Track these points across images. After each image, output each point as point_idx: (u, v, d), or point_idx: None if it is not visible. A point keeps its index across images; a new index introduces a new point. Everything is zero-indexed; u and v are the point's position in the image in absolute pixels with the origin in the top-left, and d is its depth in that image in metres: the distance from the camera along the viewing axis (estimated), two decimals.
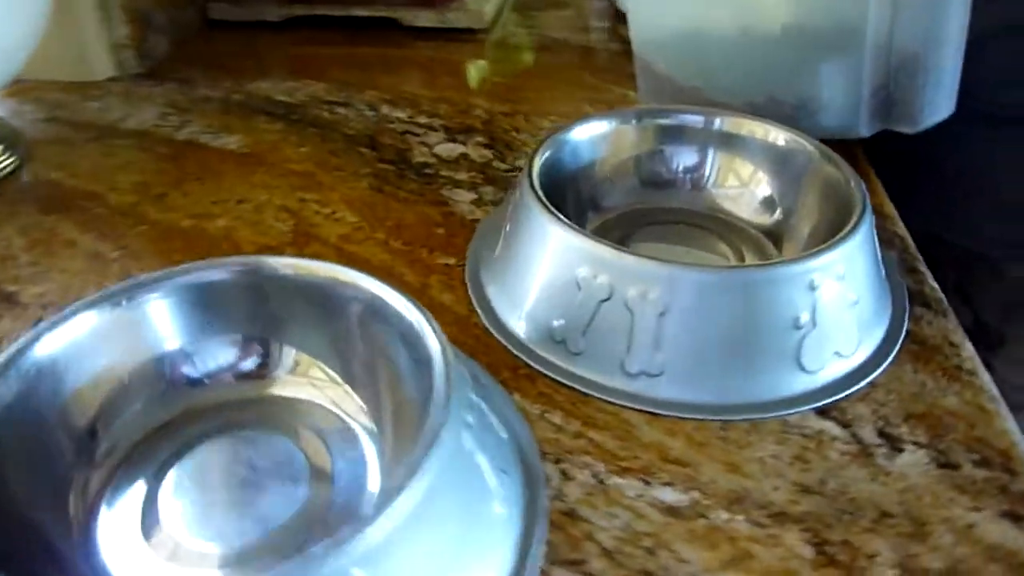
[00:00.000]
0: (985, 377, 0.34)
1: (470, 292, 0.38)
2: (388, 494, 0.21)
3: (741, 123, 0.40)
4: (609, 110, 0.42)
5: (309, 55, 0.67)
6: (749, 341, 0.32)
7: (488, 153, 0.51)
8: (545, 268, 0.35)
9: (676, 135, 0.41)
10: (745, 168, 0.40)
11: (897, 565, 0.26)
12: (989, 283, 0.45)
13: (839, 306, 0.33)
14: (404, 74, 0.63)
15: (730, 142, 0.40)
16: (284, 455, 0.29)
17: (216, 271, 0.28)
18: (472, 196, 0.47)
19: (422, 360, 0.26)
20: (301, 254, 0.42)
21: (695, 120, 0.41)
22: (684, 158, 0.41)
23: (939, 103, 0.40)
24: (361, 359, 0.29)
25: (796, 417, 0.32)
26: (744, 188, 0.40)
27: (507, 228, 0.38)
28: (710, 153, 0.41)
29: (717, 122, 0.41)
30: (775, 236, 0.39)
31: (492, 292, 0.38)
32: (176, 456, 0.28)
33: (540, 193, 0.36)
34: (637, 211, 0.42)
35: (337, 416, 0.30)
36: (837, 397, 0.32)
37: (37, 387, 0.26)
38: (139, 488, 0.28)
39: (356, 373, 0.29)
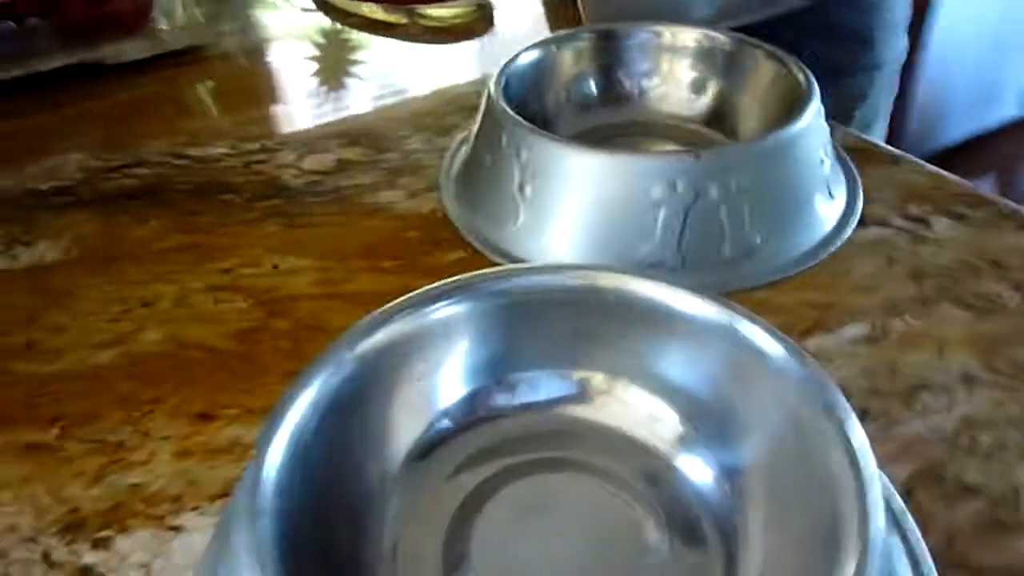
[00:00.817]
0: (906, 155, 0.43)
1: None
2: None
3: (661, 30, 0.42)
4: (530, 45, 0.41)
5: (8, 131, 0.51)
6: (805, 186, 0.36)
7: (361, 150, 0.46)
8: (608, 205, 0.34)
9: (604, 53, 0.42)
10: (674, 68, 0.43)
11: (1013, 288, 0.34)
12: None
13: (829, 139, 0.39)
14: (158, 115, 0.52)
15: (658, 49, 0.43)
16: (598, 499, 0.24)
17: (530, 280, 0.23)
18: (400, 193, 0.42)
19: (792, 404, 0.22)
20: (295, 321, 0.35)
21: (623, 36, 0.43)
22: (617, 73, 0.43)
23: None
24: (703, 393, 0.24)
25: (853, 235, 0.37)
26: (673, 86, 0.43)
27: (527, 192, 0.36)
28: (640, 63, 0.43)
29: (640, 34, 0.43)
30: (718, 124, 0.43)
31: (542, 257, 0.36)
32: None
33: (566, 141, 0.35)
34: (586, 132, 0.43)
35: (653, 448, 0.25)
36: (860, 207, 0.38)
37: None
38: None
39: (696, 410, 0.25)
